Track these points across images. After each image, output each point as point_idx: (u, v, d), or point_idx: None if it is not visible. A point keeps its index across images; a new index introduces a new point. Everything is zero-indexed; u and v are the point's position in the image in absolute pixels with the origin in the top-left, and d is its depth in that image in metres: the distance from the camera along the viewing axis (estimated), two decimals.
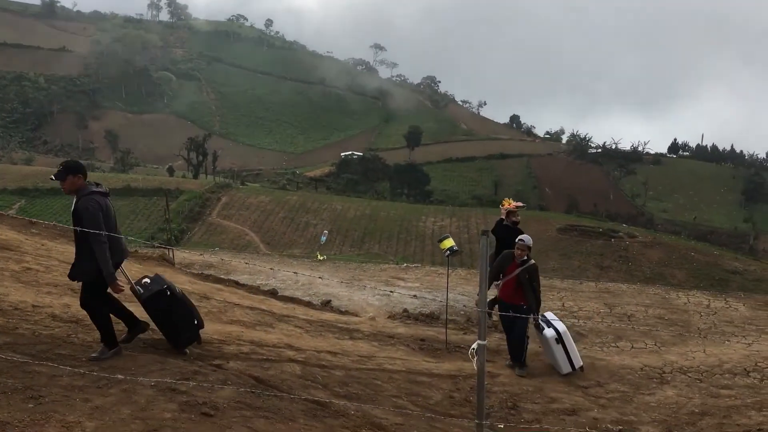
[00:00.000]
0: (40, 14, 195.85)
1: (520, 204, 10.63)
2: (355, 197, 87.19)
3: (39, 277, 9.06)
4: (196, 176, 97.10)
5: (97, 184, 6.06)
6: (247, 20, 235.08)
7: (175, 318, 6.53)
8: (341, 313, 11.98)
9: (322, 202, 75.15)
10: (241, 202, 73.55)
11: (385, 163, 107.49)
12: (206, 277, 12.84)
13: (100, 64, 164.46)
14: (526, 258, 8.55)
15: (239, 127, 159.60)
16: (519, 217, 10.46)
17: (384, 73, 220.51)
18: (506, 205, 10.48)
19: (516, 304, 8.52)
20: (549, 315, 8.93)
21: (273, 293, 12.48)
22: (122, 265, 6.33)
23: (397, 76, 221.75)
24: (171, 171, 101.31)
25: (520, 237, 8.73)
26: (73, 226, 5.98)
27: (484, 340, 5.35)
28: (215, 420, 4.98)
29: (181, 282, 11.35)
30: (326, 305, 12.57)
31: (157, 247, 19.83)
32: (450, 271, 13.67)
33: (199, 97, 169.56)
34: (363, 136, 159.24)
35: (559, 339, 8.40)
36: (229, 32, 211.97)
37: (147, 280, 6.64)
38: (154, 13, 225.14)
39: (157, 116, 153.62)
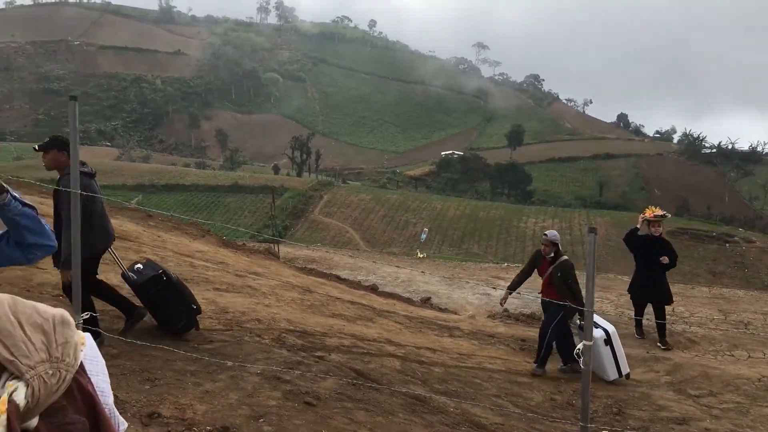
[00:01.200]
0: (158, 19, 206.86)
1: (662, 213, 9.62)
2: (454, 197, 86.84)
3: None
4: (299, 174, 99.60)
5: (83, 164, 5.34)
6: (351, 21, 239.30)
7: (172, 304, 6.11)
8: (441, 310, 11.94)
9: (422, 201, 75.30)
10: (342, 200, 74.78)
11: (485, 162, 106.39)
12: (309, 272, 13.13)
13: (212, 67, 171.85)
14: (554, 255, 7.94)
15: (342, 126, 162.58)
16: (661, 228, 9.47)
17: (486, 71, 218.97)
18: (647, 214, 9.49)
19: (552, 300, 7.99)
20: (596, 317, 8.14)
21: (373, 289, 12.60)
22: (113, 249, 5.93)
23: (500, 74, 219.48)
24: (276, 169, 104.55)
25: (545, 232, 8.19)
26: (54, 205, 5.51)
27: (591, 341, 5.18)
28: (317, 409, 5.07)
29: (286, 275, 11.68)
30: (426, 302, 12.58)
31: (264, 241, 20.50)
32: None
33: (304, 97, 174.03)
34: (463, 135, 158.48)
35: (608, 340, 7.71)
36: (334, 33, 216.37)
37: (140, 265, 6.24)
38: (263, 16, 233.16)
39: (264, 116, 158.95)
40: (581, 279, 7.18)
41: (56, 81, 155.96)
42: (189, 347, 6.02)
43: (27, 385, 1.28)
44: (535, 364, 7.96)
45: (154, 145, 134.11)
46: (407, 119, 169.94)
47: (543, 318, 8.41)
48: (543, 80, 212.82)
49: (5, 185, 2.43)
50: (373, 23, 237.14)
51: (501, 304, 8.86)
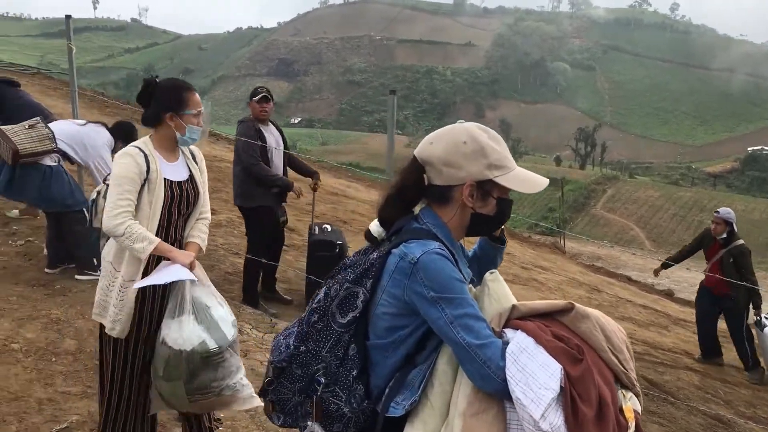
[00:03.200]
0: (451, 12, 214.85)
1: None
2: (761, 198, 77.16)
3: None
4: (582, 167, 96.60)
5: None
6: (650, 5, 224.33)
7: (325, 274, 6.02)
8: None
9: (721, 201, 68.16)
10: (628, 196, 70.99)
11: None
12: (597, 269, 12.67)
13: (500, 57, 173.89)
14: (726, 236, 6.75)
15: (632, 117, 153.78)
16: None
17: None
18: None
19: (722, 294, 6.75)
20: None
21: (669, 294, 11.75)
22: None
23: None
24: (558, 160, 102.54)
25: (716, 209, 7.01)
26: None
27: None
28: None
29: (572, 272, 11.41)
30: None
31: (545, 233, 20.21)
32: None
33: (593, 86, 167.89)
34: None
35: None
36: (630, 19, 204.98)
37: (328, 227, 6.26)
38: (555, 4, 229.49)
39: (549, 106, 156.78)
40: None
41: (358, 73, 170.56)
42: None
43: (638, 395, 1.56)
44: (748, 372, 6.90)
45: None
46: (707, 110, 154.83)
47: (698, 308, 7.33)
48: None
49: None
50: (675, 6, 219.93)
51: (655, 274, 8.06)
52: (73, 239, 5.24)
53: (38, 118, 5.27)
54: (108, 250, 2.90)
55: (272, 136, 5.65)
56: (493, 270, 1.72)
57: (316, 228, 6.19)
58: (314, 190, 5.97)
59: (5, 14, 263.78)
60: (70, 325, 4.45)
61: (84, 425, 3.45)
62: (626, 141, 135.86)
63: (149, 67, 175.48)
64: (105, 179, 3.49)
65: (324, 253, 5.93)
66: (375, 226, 1.78)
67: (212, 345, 2.70)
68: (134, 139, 5.62)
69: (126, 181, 2.75)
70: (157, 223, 2.85)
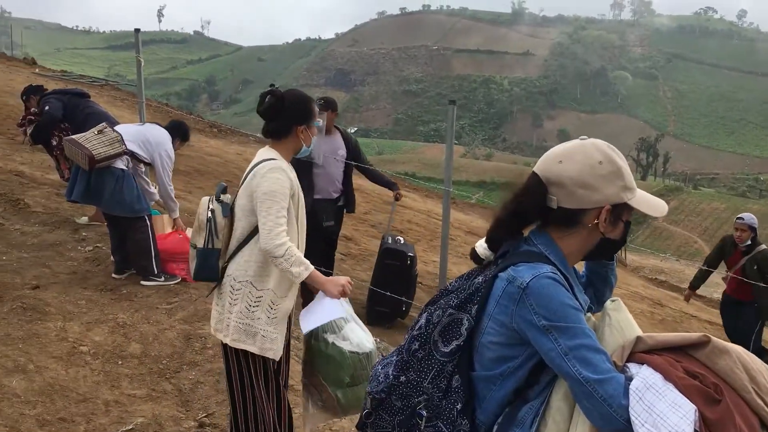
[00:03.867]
0: (509, 21, 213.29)
1: None
2: None
3: None
4: (644, 178, 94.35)
5: None
6: (716, 13, 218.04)
7: (391, 284, 5.96)
8: None
9: None
10: (692, 208, 69.05)
11: None
12: (660, 283, 12.31)
13: (559, 66, 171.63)
14: (750, 243, 6.36)
15: (696, 127, 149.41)
16: None
17: None
18: None
19: (743, 300, 6.40)
20: None
21: None
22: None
23: None
24: None
25: (739, 215, 6.62)
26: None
27: None
28: None
29: (635, 286, 11.12)
30: None
31: None
32: None
33: (655, 96, 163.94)
34: None
35: None
36: (695, 26, 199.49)
37: (401, 239, 6.36)
38: (616, 12, 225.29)
39: (609, 116, 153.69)
40: None
41: (414, 83, 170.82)
42: None
43: None
44: None
45: (497, 144, 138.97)
46: None
47: (723, 322, 6.96)
48: None
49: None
50: (742, 13, 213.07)
51: (686, 300, 7.79)
52: (134, 247, 5.40)
53: (104, 123, 5.50)
54: (244, 270, 2.83)
55: (328, 145, 5.72)
56: (615, 298, 1.61)
57: (389, 238, 6.25)
58: (397, 199, 6.04)
59: (75, 27, 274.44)
60: (135, 329, 4.58)
61: (148, 427, 3.54)
62: (690, 151, 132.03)
63: (211, 79, 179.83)
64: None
65: (393, 263, 5.98)
66: (482, 248, 1.68)
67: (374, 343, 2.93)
68: (188, 137, 5.85)
69: (283, 197, 2.74)
70: (304, 239, 2.93)
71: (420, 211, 12.30)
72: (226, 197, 2.96)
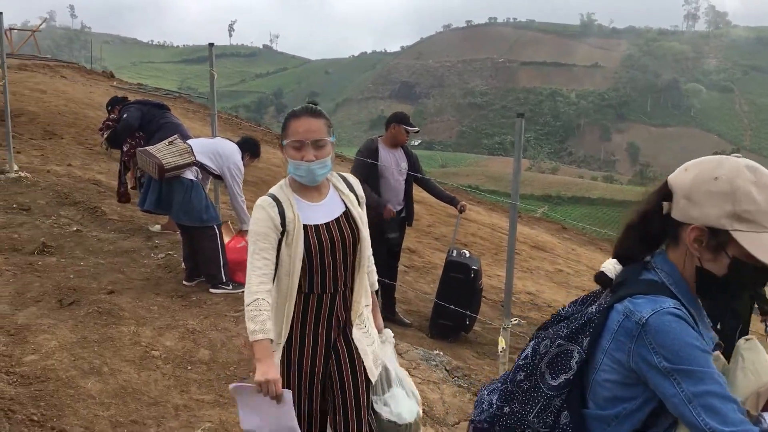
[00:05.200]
0: (578, 33, 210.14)
1: None
2: None
3: (569, 279, 9.68)
4: None
5: None
6: None
7: (455, 297, 5.90)
8: None
9: None
10: None
11: None
12: None
13: (629, 78, 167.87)
14: None
15: None
16: None
17: None
18: None
19: None
20: None
21: None
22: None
23: None
24: None
25: None
26: None
27: None
28: None
29: None
30: None
31: None
32: None
33: (730, 109, 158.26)
34: None
35: None
36: None
37: (466, 252, 6.40)
38: (690, 23, 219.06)
39: (681, 129, 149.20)
40: None
41: (479, 96, 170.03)
42: None
43: None
44: None
45: (563, 158, 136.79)
46: None
47: None
48: None
49: None
50: None
51: None
52: (203, 255, 5.54)
53: (176, 135, 5.70)
54: None
55: (393, 158, 5.79)
56: (749, 336, 1.46)
57: (455, 251, 6.24)
58: (461, 212, 6.07)
59: (150, 42, 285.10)
60: (204, 336, 4.69)
61: None
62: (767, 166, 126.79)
63: (278, 91, 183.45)
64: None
65: (457, 276, 5.95)
66: (611, 266, 1.55)
67: (420, 413, 2.73)
68: (259, 153, 5.99)
69: (260, 237, 2.41)
70: (297, 279, 2.46)
71: (484, 225, 12.21)
72: None
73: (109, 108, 7.10)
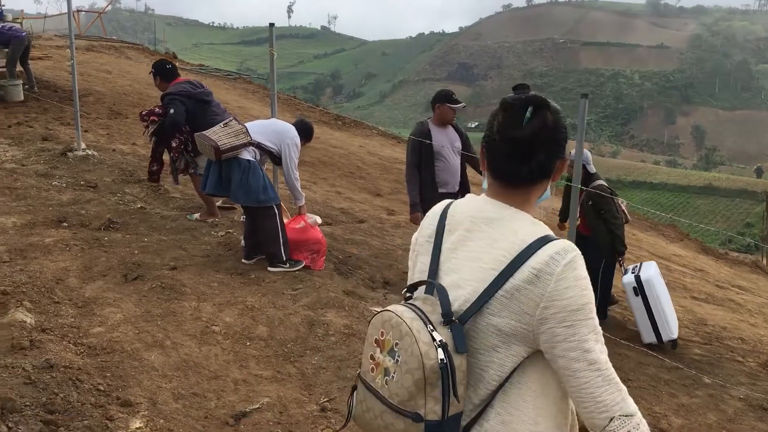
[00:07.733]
0: (643, 13, 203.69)
1: None
2: None
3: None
4: None
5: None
6: None
7: None
8: None
9: None
10: None
11: None
12: None
13: (696, 59, 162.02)
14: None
15: None
16: None
17: None
18: None
19: (586, 235, 6.10)
20: (647, 265, 6.31)
21: None
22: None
23: None
24: (759, 172, 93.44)
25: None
26: None
27: None
28: None
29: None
30: None
31: (740, 251, 18.55)
32: None
33: None
34: None
35: (639, 289, 5.96)
36: None
37: None
38: (763, 2, 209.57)
39: (750, 113, 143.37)
40: None
41: (539, 77, 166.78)
42: (664, 354, 5.82)
43: None
44: None
45: (624, 141, 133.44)
46: None
47: None
48: None
49: None
50: None
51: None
52: (263, 234, 5.61)
53: (231, 117, 5.77)
54: None
55: (446, 137, 5.74)
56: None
57: None
58: None
59: (211, 23, 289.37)
60: (262, 313, 4.77)
61: (273, 408, 3.67)
62: None
63: (336, 73, 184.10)
64: None
65: None
66: None
67: None
68: (311, 137, 6.01)
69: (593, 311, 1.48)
70: None
71: (542, 208, 12.04)
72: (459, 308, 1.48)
73: (152, 73, 6.79)
